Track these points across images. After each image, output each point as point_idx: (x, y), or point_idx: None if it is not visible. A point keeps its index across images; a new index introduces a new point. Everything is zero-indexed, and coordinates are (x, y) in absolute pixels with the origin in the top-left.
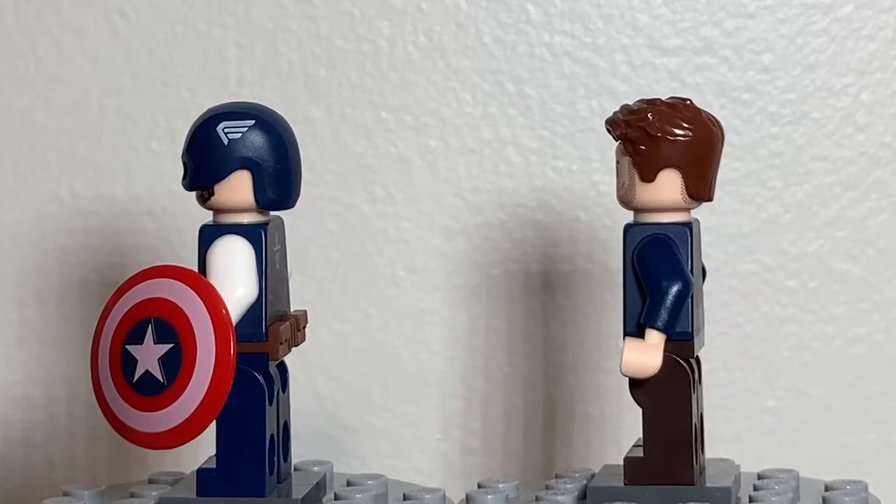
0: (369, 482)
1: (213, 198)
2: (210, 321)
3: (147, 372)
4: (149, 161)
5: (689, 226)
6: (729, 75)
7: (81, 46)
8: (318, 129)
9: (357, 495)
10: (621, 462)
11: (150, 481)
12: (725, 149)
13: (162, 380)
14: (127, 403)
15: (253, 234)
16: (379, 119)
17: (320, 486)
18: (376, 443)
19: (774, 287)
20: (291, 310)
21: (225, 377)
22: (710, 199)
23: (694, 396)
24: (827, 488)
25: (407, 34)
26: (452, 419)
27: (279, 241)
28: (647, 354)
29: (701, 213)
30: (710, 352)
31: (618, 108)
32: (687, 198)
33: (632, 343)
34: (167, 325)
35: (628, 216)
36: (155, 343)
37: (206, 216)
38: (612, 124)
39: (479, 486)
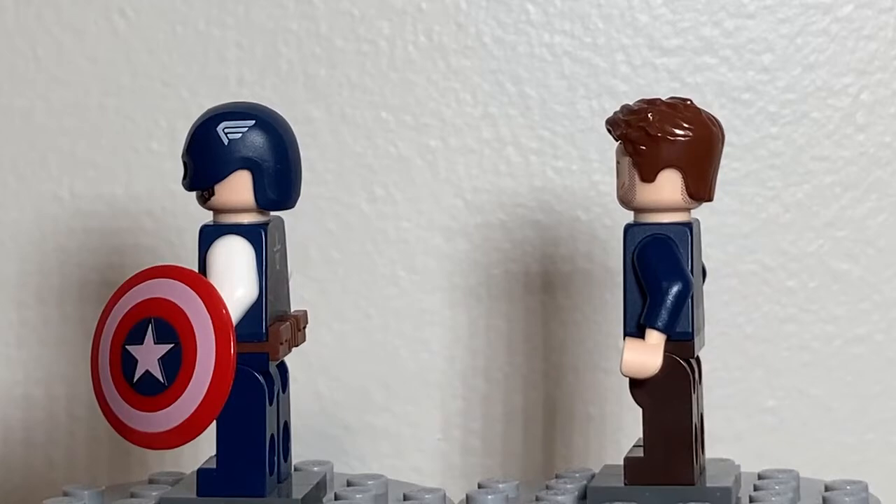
0: (369, 482)
1: (213, 198)
2: (210, 321)
3: (147, 372)
4: (149, 161)
5: (689, 226)
6: (729, 75)
7: (81, 46)
8: (318, 129)
9: (357, 495)
10: (621, 462)
11: (151, 481)
12: (725, 149)
13: (162, 380)
14: (127, 403)
15: (253, 234)
16: (379, 119)
17: (320, 486)
18: (376, 443)
19: (774, 287)
20: (291, 310)
21: (225, 377)
22: (710, 199)
23: (694, 396)
24: (827, 488)
25: (407, 34)
26: (452, 419)
27: (279, 241)
28: (648, 355)
29: (701, 213)
30: (710, 352)
31: (618, 108)
32: (687, 198)
33: (632, 343)
34: (167, 325)
35: (628, 216)
36: (155, 343)
37: (206, 216)
38: (613, 124)
39: (479, 486)
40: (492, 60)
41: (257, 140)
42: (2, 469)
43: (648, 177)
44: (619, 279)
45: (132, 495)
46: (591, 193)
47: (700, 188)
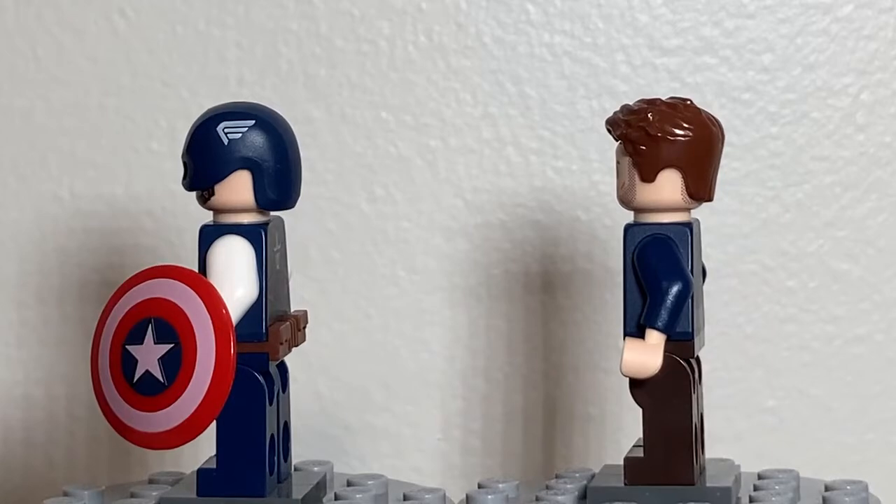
0: (369, 482)
1: (213, 198)
2: (210, 321)
3: (147, 372)
4: (149, 161)
5: (689, 226)
6: (729, 75)
7: (81, 46)
8: (318, 129)
9: (357, 495)
10: (621, 462)
11: (151, 481)
12: (725, 149)
13: (162, 380)
14: (127, 403)
15: (253, 234)
16: (379, 119)
17: (320, 486)
18: (376, 443)
19: (774, 287)
20: (291, 310)
21: (225, 377)
22: (710, 199)
23: (694, 396)
24: (827, 488)
25: (407, 34)
26: (452, 419)
27: (279, 241)
28: (648, 354)
29: (701, 213)
30: (710, 352)
31: (618, 108)
32: (687, 198)
33: (632, 343)
34: (167, 325)
35: (628, 216)
36: (155, 343)
37: (206, 216)
38: (613, 124)
39: (479, 486)
40: (492, 60)
41: (257, 140)
42: (2, 469)
43: (648, 177)
44: (619, 279)
45: (132, 495)
46: (591, 193)
47: (700, 188)
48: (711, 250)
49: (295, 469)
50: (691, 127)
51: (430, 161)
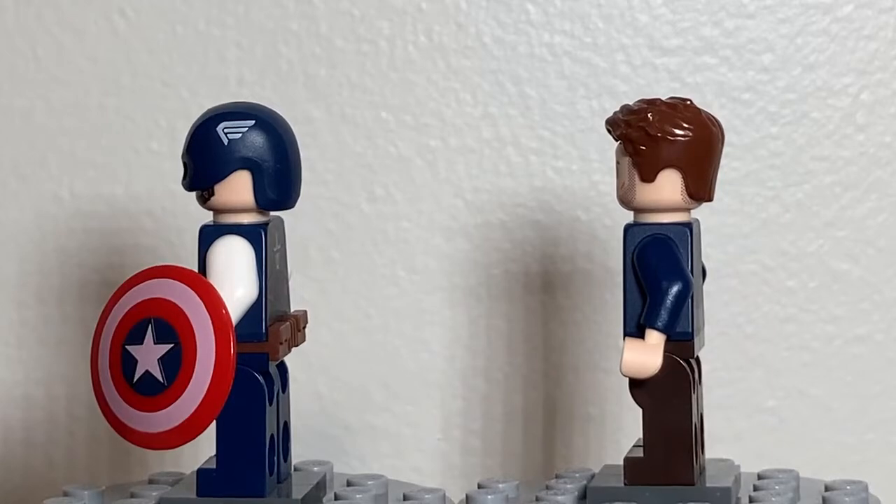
0: (369, 482)
1: (213, 198)
2: (210, 321)
3: (147, 372)
4: (149, 161)
5: (689, 226)
6: (729, 75)
7: (81, 46)
8: (318, 129)
9: (357, 495)
10: (621, 462)
11: (151, 481)
12: (725, 149)
13: (162, 380)
14: (127, 404)
15: (253, 234)
16: (379, 119)
17: (320, 486)
18: (376, 443)
19: (774, 287)
20: (291, 310)
21: (225, 377)
22: (710, 199)
23: (694, 396)
24: (827, 488)
25: (407, 34)
26: (452, 419)
27: (279, 241)
28: (648, 355)
29: (701, 213)
30: (710, 352)
31: (618, 108)
32: (687, 198)
33: (632, 343)
34: (167, 325)
35: (628, 216)
36: (155, 343)
37: (206, 216)
38: (613, 124)
39: (479, 486)
40: (492, 60)
41: (257, 140)
42: (2, 469)
43: (648, 177)
44: (619, 279)
45: (132, 495)
46: (591, 193)
47: (700, 188)
48: (711, 250)
49: (295, 469)
50: (691, 127)
51: (430, 161)
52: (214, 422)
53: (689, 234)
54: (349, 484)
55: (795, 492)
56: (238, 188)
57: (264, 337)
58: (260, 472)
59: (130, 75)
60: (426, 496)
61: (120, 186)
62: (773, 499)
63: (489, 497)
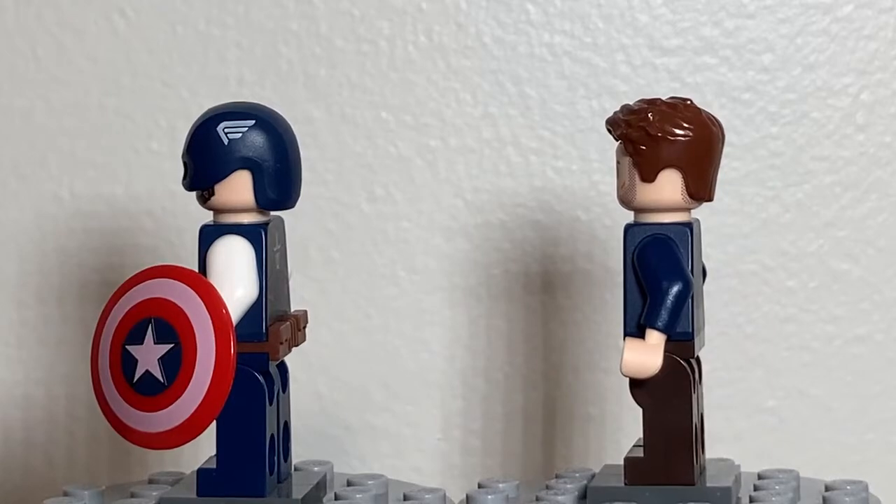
0: (369, 482)
1: (213, 198)
2: (210, 321)
3: (147, 372)
4: (149, 161)
5: (689, 226)
6: (729, 75)
7: (81, 46)
8: (318, 129)
9: (357, 495)
10: (621, 462)
11: (151, 481)
12: (725, 149)
13: (162, 380)
14: (127, 403)
15: (253, 234)
16: (379, 119)
17: (320, 486)
18: (376, 443)
19: (774, 287)
20: (291, 310)
21: (225, 377)
22: (710, 199)
23: (694, 396)
24: (827, 488)
25: (407, 34)
26: (452, 419)
27: (279, 241)
28: (648, 355)
29: (701, 213)
30: (710, 352)
31: (618, 108)
32: (687, 198)
33: (632, 343)
34: (167, 325)
35: (628, 216)
36: (155, 343)
37: (206, 216)
38: (613, 124)
39: (479, 486)
40: (492, 60)
41: (257, 140)
42: (2, 469)
43: (648, 177)
44: (619, 279)
45: (132, 495)
46: (591, 193)
47: (700, 188)
48: (711, 250)
49: (295, 469)
50: (691, 127)
51: (430, 161)
52: (214, 422)
53: (689, 234)
54: (349, 484)
55: (795, 492)
56: (238, 188)
57: (264, 337)
58: (260, 472)
59: (130, 75)
60: (426, 496)
61: (120, 186)
62: (774, 499)
63: (489, 497)
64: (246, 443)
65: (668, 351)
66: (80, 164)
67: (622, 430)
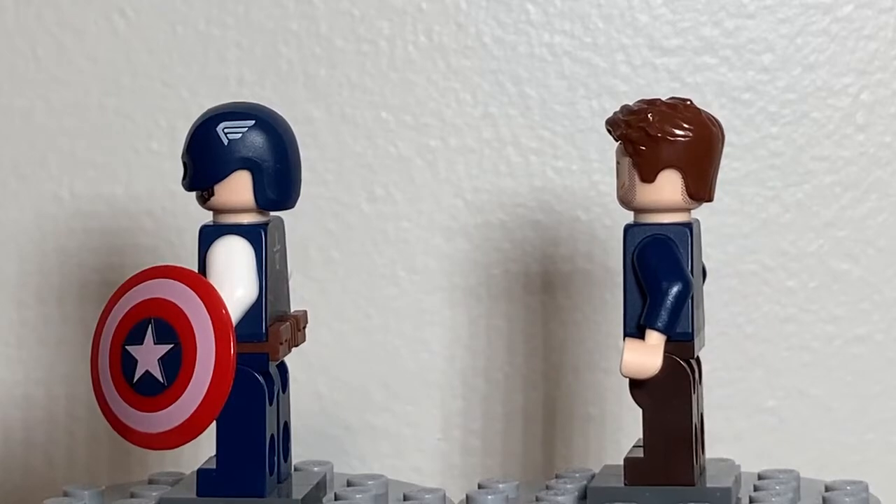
0: (369, 482)
1: (213, 198)
2: (210, 322)
3: (147, 372)
4: (149, 161)
5: (689, 226)
6: (729, 75)
7: (81, 46)
8: (318, 129)
9: (357, 495)
10: (621, 462)
11: (150, 481)
12: (725, 149)
13: (162, 380)
14: (127, 404)
15: (253, 234)
16: (379, 119)
17: (320, 487)
18: (376, 443)
19: (774, 287)
20: (291, 310)
21: (225, 377)
22: (710, 199)
23: (694, 397)
24: (827, 488)
25: (407, 34)
26: (452, 419)
27: (279, 242)
28: (648, 355)
29: (701, 213)
30: (710, 352)
31: (618, 109)
32: (687, 198)
33: (632, 344)
34: (167, 325)
35: (628, 216)
36: (155, 343)
37: (206, 216)
38: (613, 124)
39: (479, 486)
40: (492, 60)
41: (257, 140)
42: (2, 469)
43: (648, 177)
44: (619, 279)
45: (132, 495)
46: (591, 193)
47: (700, 188)
48: (711, 250)
49: (295, 469)
50: (691, 127)
51: (430, 161)
52: (214, 422)
53: (689, 234)
54: (349, 484)
55: (796, 492)
56: (238, 188)
57: (264, 337)
58: (260, 472)
59: (130, 75)
60: (426, 496)
61: (120, 186)
62: (774, 499)
63: (489, 497)
64: (246, 443)
65: (667, 351)
66: (80, 164)
67: (622, 430)
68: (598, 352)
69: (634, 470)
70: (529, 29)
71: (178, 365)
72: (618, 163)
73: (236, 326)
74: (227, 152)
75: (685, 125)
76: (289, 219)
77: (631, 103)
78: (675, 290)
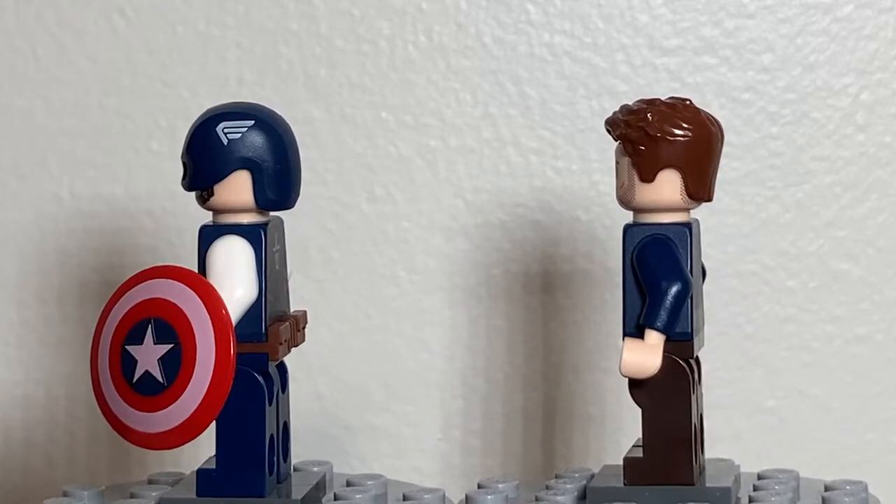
0: (368, 482)
1: (212, 198)
2: (210, 322)
3: (147, 372)
4: (149, 161)
5: (688, 226)
6: (729, 75)
7: (81, 46)
8: (318, 129)
9: (357, 495)
10: (621, 462)
11: (150, 482)
12: (725, 149)
13: (162, 380)
14: (127, 404)
15: (253, 234)
16: (379, 119)
17: (320, 487)
18: (376, 443)
19: (774, 287)
20: (290, 310)
21: (225, 377)
22: (709, 199)
23: (693, 397)
24: (827, 488)
25: (407, 34)
26: (452, 419)
27: (279, 242)
28: (647, 355)
29: (701, 213)
30: (710, 352)
31: (618, 108)
32: (686, 198)
33: (631, 343)
34: (167, 325)
35: (628, 216)
36: (155, 343)
37: (206, 216)
38: (612, 124)
39: (479, 486)
40: (492, 60)
41: (257, 140)
42: (2, 469)
43: (648, 177)
44: (619, 279)
45: (132, 495)
46: (591, 193)
47: (699, 188)
48: (711, 250)
49: (294, 469)
50: (691, 127)
51: (430, 161)
52: (214, 422)
53: (688, 234)
54: (349, 484)
55: (795, 492)
56: (238, 188)
57: (264, 337)
58: (260, 472)
59: (130, 75)
60: (426, 496)
61: (120, 186)
62: (773, 499)
63: (489, 497)
64: (246, 443)
65: (667, 351)
66: (80, 164)
67: (622, 430)
68: (598, 352)
69: (634, 469)
70: (529, 29)
71: (177, 365)
72: (617, 162)
73: (236, 326)
74: (226, 152)
75: (684, 125)
76: (289, 219)
77: (631, 103)
78: (674, 289)
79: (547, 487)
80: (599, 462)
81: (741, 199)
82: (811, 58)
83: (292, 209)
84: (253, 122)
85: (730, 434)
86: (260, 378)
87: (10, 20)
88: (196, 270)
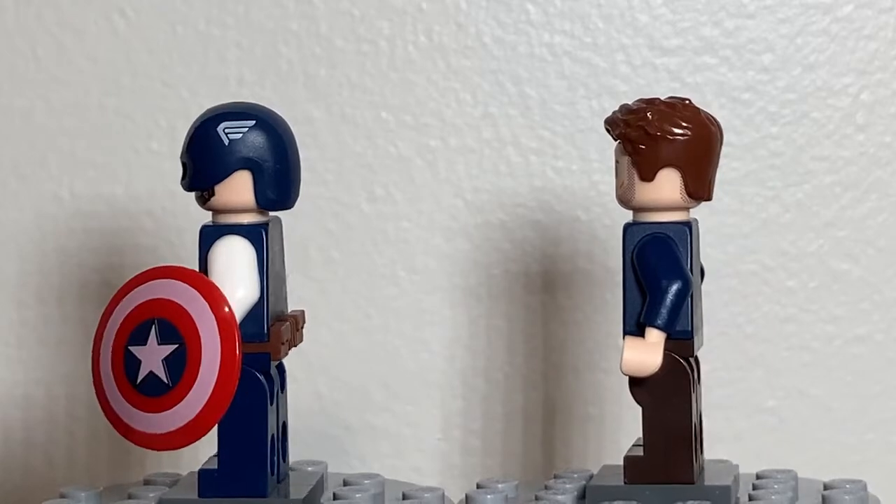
0: (366, 481)
1: (213, 198)
2: (214, 321)
3: (151, 373)
4: (149, 161)
5: (688, 225)
6: (729, 75)
7: (81, 46)
8: (318, 129)
9: (356, 495)
10: (621, 462)
11: (146, 482)
12: (725, 149)
13: (166, 381)
14: (130, 405)
15: (254, 234)
16: (379, 119)
17: (319, 486)
18: (376, 443)
19: (774, 287)
20: (289, 310)
21: (230, 377)
22: (709, 198)
23: (693, 395)
24: (826, 487)
25: (407, 34)
26: (452, 419)
27: (278, 242)
28: (647, 353)
29: (701, 213)
30: (710, 352)
31: (617, 108)
32: (686, 197)
33: (632, 342)
34: (171, 325)
35: (628, 216)
36: (159, 344)
37: (206, 216)
38: (612, 124)
39: (479, 486)
40: (492, 60)
41: (257, 140)
42: (2, 469)
43: (647, 176)
44: (619, 279)
45: (130, 496)
46: (591, 193)
47: (699, 187)
48: (711, 250)
49: (290, 469)
50: (690, 126)
51: (430, 161)
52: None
53: (688, 232)
54: (345, 483)
55: (794, 491)
56: (238, 188)
57: (266, 337)
58: (262, 472)
59: (130, 75)
60: (425, 495)
61: (120, 186)
62: (773, 497)
63: (489, 497)
64: (248, 443)
65: (667, 349)
66: (80, 164)
67: (622, 429)
68: (598, 352)
69: (634, 468)
70: (529, 29)
71: (182, 365)
72: (617, 162)
73: (239, 326)
74: (228, 152)
75: (684, 124)
76: (289, 219)
77: (630, 103)
78: (674, 288)
79: (547, 487)
80: (599, 462)
81: (741, 199)
82: (811, 58)
83: (292, 209)
84: (254, 122)
85: (730, 434)
86: (262, 378)
87: (10, 20)
88: (197, 270)
